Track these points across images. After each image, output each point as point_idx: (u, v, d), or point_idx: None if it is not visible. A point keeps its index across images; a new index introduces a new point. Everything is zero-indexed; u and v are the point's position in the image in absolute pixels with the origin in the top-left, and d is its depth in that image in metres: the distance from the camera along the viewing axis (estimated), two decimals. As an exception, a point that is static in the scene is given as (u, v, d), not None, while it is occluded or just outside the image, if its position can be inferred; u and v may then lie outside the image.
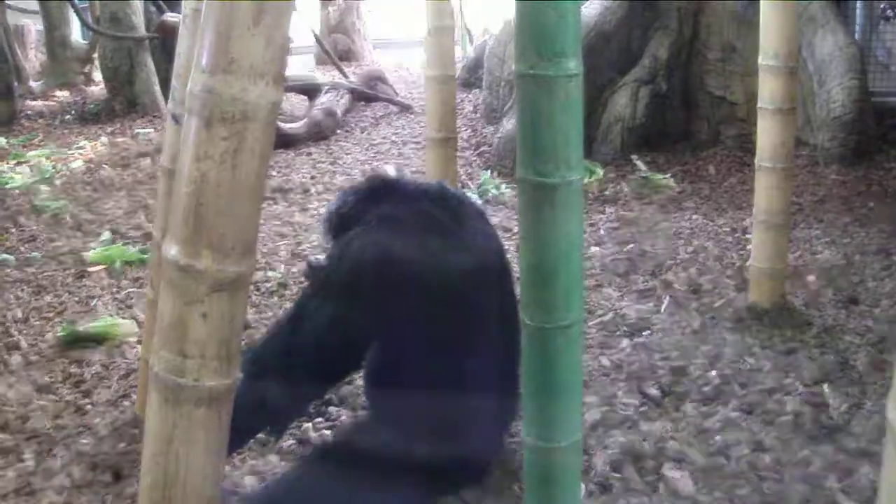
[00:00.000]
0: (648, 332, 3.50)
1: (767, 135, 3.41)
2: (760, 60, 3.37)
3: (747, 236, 3.93)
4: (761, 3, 3.37)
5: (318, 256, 2.87)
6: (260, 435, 2.76)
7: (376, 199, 2.66)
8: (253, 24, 1.52)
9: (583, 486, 2.51)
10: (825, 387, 3.01)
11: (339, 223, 2.68)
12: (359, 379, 2.97)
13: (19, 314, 4.10)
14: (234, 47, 1.51)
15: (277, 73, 1.56)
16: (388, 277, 2.40)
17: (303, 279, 4.05)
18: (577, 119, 1.53)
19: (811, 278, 3.93)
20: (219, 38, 1.53)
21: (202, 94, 1.54)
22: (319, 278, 2.65)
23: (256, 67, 1.52)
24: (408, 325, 2.40)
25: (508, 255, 2.77)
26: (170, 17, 7.89)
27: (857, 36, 6.26)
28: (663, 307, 3.70)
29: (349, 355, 2.53)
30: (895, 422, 0.95)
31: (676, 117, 6.30)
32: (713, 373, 3.15)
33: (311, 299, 2.54)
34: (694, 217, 4.87)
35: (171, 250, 1.59)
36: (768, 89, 3.37)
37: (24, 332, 3.92)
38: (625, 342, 3.42)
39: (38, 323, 4.00)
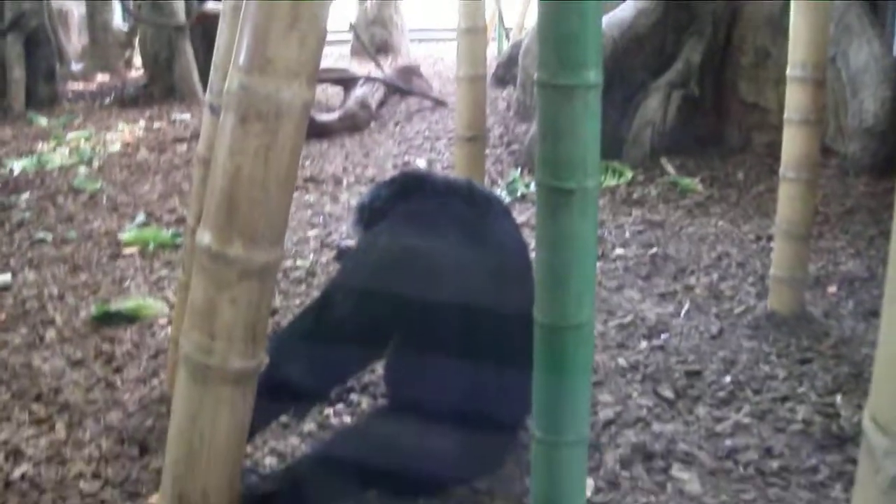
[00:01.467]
0: (667, 334, 3.54)
1: (793, 145, 3.45)
2: (789, 71, 3.40)
3: (772, 244, 3.96)
4: (792, 10, 3.39)
5: (349, 242, 2.94)
6: (282, 418, 2.85)
7: (406, 194, 2.74)
8: (289, 27, 1.59)
9: (591, 482, 2.59)
10: (838, 397, 3.04)
11: (370, 216, 2.76)
12: (380, 368, 3.04)
13: (55, 291, 4.22)
14: (270, 48, 1.59)
15: (311, 73, 1.64)
16: (413, 271, 2.48)
17: (331, 266, 4.13)
18: (595, 128, 1.59)
19: (832, 289, 3.95)
20: (256, 39, 1.60)
21: (239, 91, 1.62)
22: (347, 269, 2.73)
23: (291, 68, 1.60)
24: (429, 319, 2.47)
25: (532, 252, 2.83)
26: (209, 6, 8.00)
27: (894, 46, 6.23)
28: (683, 311, 3.75)
29: (372, 345, 2.60)
30: (869, 429, 1.00)
31: (708, 122, 6.31)
32: (728, 378, 3.19)
33: (337, 289, 2.62)
34: (720, 223, 4.90)
35: (205, 238, 1.67)
36: (795, 100, 3.40)
37: (59, 308, 4.03)
38: (643, 344, 3.47)
39: (72, 300, 4.11)
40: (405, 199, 2.69)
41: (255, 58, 1.59)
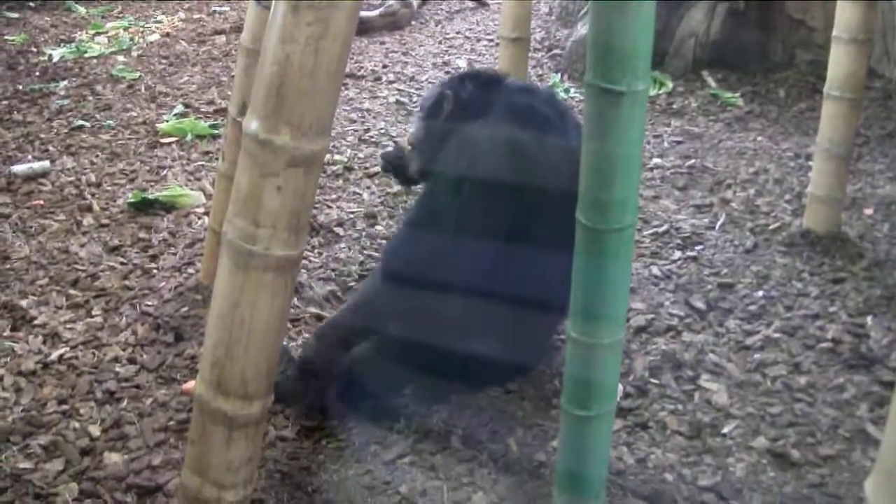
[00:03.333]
0: (701, 246, 3.54)
1: (839, 64, 3.39)
2: (841, -13, 3.34)
3: (810, 163, 3.92)
4: (846, -71, 3.31)
5: (393, 147, 2.89)
6: (312, 309, 2.88)
7: (488, 91, 2.67)
8: (343, -85, 1.57)
9: (621, 387, 2.62)
10: (868, 318, 3.04)
11: (454, 109, 2.67)
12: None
13: (93, 178, 4.26)
14: (324, -65, 1.57)
15: (364, -37, 1.62)
16: (517, 174, 2.45)
17: (371, 163, 4.13)
18: (648, 32, 1.57)
19: (868, 211, 3.90)
20: (310, -74, 1.58)
21: (291, -22, 1.60)
22: (449, 163, 2.60)
23: (344, -44, 1.58)
24: (516, 220, 2.48)
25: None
26: None
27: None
28: (718, 224, 3.74)
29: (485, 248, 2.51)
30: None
31: (752, 37, 6.17)
32: (760, 293, 3.20)
33: (442, 197, 2.58)
34: (759, 138, 4.84)
35: (252, 125, 1.67)
36: (845, 18, 3.33)
37: (97, 195, 4.07)
38: (677, 254, 3.48)
39: (110, 188, 4.15)
40: (489, 96, 2.63)
41: (309, -55, 1.58)
